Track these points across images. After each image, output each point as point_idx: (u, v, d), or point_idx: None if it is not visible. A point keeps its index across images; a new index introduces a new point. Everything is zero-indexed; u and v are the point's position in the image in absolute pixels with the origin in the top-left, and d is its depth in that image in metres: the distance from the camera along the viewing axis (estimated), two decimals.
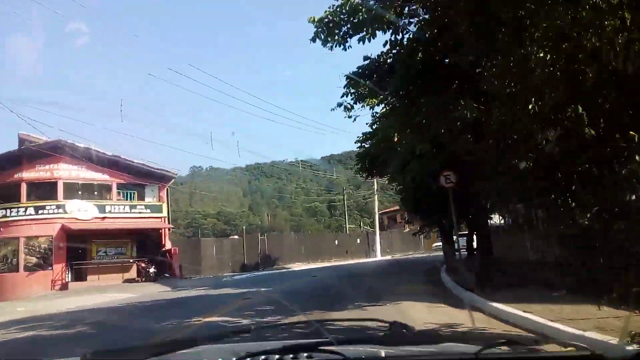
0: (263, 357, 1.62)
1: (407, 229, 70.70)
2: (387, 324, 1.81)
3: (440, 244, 54.31)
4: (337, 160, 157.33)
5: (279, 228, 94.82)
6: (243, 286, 20.33)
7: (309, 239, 46.50)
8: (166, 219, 35.11)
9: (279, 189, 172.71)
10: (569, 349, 1.61)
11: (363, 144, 25.00)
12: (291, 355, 1.61)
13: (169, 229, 35.49)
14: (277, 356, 1.61)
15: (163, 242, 34.14)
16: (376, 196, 51.85)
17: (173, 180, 35.96)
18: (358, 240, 51.54)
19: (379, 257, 49.51)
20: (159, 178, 34.68)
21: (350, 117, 16.07)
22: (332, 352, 1.55)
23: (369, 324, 2.45)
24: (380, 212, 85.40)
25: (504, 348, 1.59)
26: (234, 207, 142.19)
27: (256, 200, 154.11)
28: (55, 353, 7.39)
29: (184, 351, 1.76)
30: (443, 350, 1.71)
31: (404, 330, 1.75)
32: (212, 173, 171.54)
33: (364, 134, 24.38)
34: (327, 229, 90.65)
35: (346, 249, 49.37)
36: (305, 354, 1.61)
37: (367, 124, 25.51)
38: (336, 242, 48.89)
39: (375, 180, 35.65)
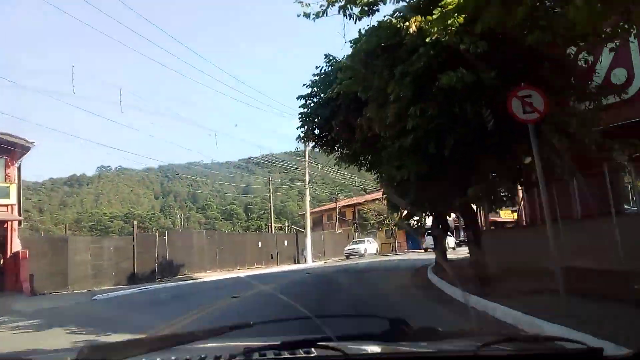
0: (261, 352, 1.56)
1: (340, 230, 62.00)
2: (386, 321, 1.63)
3: (431, 242, 44.30)
4: (255, 163, 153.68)
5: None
6: (98, 322, 10.46)
7: (226, 240, 35.61)
8: (14, 207, 23.36)
9: (194, 192, 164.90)
10: (568, 345, 1.55)
11: (309, 100, 17.79)
12: (288, 352, 1.56)
13: (19, 223, 23.78)
14: (274, 352, 1.56)
15: (9, 241, 22.51)
16: (307, 188, 42.18)
17: (28, 153, 23.97)
18: (285, 242, 41.50)
19: (309, 263, 39.98)
20: (2, 150, 23.07)
21: None
22: (330, 348, 1.50)
23: (368, 320, 1.98)
24: (303, 212, 76.51)
25: (504, 345, 1.54)
26: (145, 209, 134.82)
27: (169, 202, 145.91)
28: None
29: (183, 346, 1.75)
30: (443, 347, 1.64)
31: (404, 327, 1.60)
32: (121, 173, 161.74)
33: (313, 81, 17.44)
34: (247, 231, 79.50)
35: (271, 253, 39.27)
36: (303, 350, 1.56)
37: (317, 67, 17.77)
38: (259, 244, 38.54)
39: (318, 150, 25.70)
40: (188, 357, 1.63)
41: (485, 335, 1.77)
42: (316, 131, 18.42)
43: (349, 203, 68.51)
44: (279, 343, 1.58)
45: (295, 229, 55.43)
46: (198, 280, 26.62)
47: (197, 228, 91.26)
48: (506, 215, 76.77)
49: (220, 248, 34.20)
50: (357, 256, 40.39)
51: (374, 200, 61.67)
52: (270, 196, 46.41)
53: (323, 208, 71.91)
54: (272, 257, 39.12)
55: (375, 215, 59.15)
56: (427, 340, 1.67)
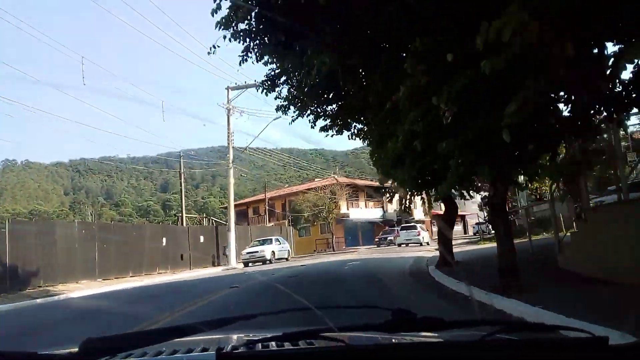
0: (263, 344, 1.54)
1: (271, 223, 52.00)
2: (389, 311, 1.48)
3: (406, 235, 38.75)
4: (174, 158, 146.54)
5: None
6: None
7: (112, 236, 24.31)
8: None
9: (108, 187, 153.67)
10: (573, 334, 1.51)
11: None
12: (291, 343, 1.54)
13: None
14: (278, 343, 1.55)
15: None
16: (232, 169, 31.92)
17: None
18: (202, 239, 30.82)
19: (233, 264, 29.83)
20: None
21: None
22: (333, 339, 1.45)
23: (371, 310, 1.79)
24: (225, 206, 65.69)
25: (508, 334, 1.53)
26: (53, 205, 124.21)
27: (79, 199, 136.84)
28: None
29: (184, 339, 1.71)
30: (446, 336, 1.64)
31: (407, 317, 1.47)
32: (28, 167, 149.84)
33: None
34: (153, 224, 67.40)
35: (182, 253, 28.61)
36: (305, 341, 1.54)
37: None
38: (164, 241, 27.73)
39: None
40: (190, 348, 1.62)
41: (489, 324, 1.55)
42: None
43: (279, 194, 58.66)
44: (280, 334, 1.49)
45: (215, 221, 44.77)
46: (59, 299, 16.31)
47: None
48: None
49: (102, 247, 23.06)
50: (260, 262, 29.92)
51: (308, 190, 52.50)
52: (181, 176, 35.54)
53: (248, 200, 61.51)
54: (182, 259, 28.47)
55: (310, 207, 49.86)
56: (431, 330, 1.62)
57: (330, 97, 13.20)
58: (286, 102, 13.85)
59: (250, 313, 1.62)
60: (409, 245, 37.02)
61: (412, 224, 42.91)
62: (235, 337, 1.93)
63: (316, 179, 58.22)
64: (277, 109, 14.16)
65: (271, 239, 32.97)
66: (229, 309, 9.60)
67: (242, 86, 31.76)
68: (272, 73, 13.05)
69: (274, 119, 32.25)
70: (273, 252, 31.08)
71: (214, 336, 1.90)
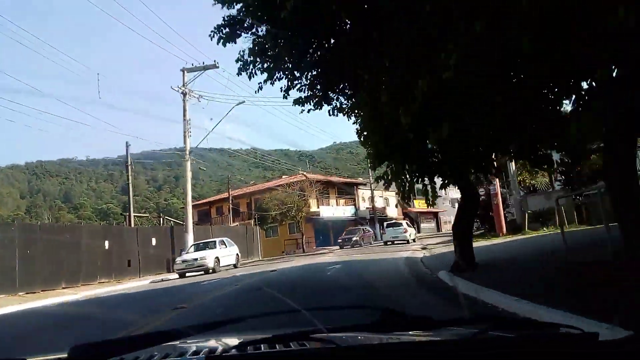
0: (253, 346, 1.51)
1: (236, 223, 47.77)
2: (379, 311, 1.57)
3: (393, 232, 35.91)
4: (136, 160, 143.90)
5: None
6: None
7: (38, 239, 19.62)
8: None
9: (66, 190, 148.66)
10: (563, 330, 1.50)
11: None
12: (282, 345, 1.51)
13: None
14: (268, 345, 1.51)
15: None
16: (189, 162, 27.71)
17: None
18: (154, 241, 26.43)
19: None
20: None
21: None
22: (322, 340, 1.44)
23: (360, 311, 1.92)
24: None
25: (498, 331, 1.48)
26: (8, 209, 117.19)
27: (37, 202, 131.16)
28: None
29: (172, 343, 1.66)
30: (437, 335, 1.63)
31: (397, 317, 1.57)
32: None
33: None
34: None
35: (129, 258, 24.28)
36: (296, 343, 1.50)
37: None
38: (107, 244, 23.27)
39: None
40: (181, 352, 1.61)
41: (479, 322, 1.61)
42: None
43: (244, 192, 54.50)
44: (269, 336, 1.51)
45: (172, 221, 40.28)
46: None
47: None
48: (420, 204, 66.99)
49: (25, 252, 18.55)
50: (199, 271, 23.65)
51: (275, 187, 48.59)
52: (128, 169, 31.06)
53: (212, 199, 57.12)
54: (129, 265, 24.11)
55: (278, 205, 45.93)
56: (421, 329, 1.62)
57: (309, 52, 9.84)
58: (251, 57, 9.97)
59: (238, 316, 1.65)
60: (395, 243, 34.63)
61: (398, 221, 41.31)
62: (225, 340, 1.82)
63: (284, 176, 54.26)
64: (240, 70, 10.22)
65: (214, 242, 25.83)
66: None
67: (198, 67, 27.64)
68: (233, 15, 9.35)
69: (238, 104, 28.24)
70: (217, 258, 24.34)
71: (204, 339, 1.86)
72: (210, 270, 23.41)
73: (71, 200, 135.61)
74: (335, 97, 11.27)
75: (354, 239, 38.81)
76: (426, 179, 10.99)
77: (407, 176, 10.49)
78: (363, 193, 56.78)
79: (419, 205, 64.59)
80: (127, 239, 25.00)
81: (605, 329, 3.33)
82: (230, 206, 45.37)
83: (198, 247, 25.29)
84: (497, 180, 23.28)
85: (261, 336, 1.55)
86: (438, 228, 68.38)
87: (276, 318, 1.72)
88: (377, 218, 53.83)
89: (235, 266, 25.97)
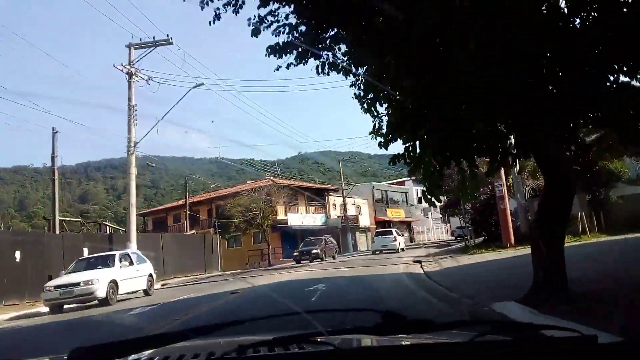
0: (252, 349, 1.49)
1: (192, 231, 42.76)
2: (379, 313, 1.52)
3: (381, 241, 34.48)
4: (95, 168, 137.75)
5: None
6: None
7: None
8: None
9: (21, 198, 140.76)
10: (561, 333, 1.50)
11: None
12: (282, 348, 1.49)
13: None
14: (268, 348, 1.49)
15: None
16: (133, 155, 22.87)
17: None
18: (86, 252, 21.20)
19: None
20: None
21: None
22: (323, 342, 1.47)
23: (361, 314, 2.01)
24: (144, 212, 55.79)
25: (498, 334, 1.52)
26: None
27: None
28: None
29: (173, 345, 1.65)
30: (436, 338, 1.62)
31: (397, 320, 1.50)
32: None
33: None
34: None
35: (50, 274, 19.03)
36: (296, 346, 1.51)
37: None
38: (18, 255, 18.05)
39: None
40: (180, 355, 1.57)
41: (479, 325, 1.68)
42: None
43: (205, 198, 49.59)
44: (270, 339, 1.48)
45: (112, 227, 35.06)
46: None
47: None
48: (393, 214, 63.21)
49: None
50: (80, 302, 15.72)
51: (239, 192, 43.90)
52: (54, 163, 26.09)
53: (168, 206, 51.93)
54: (50, 278, 19.00)
55: (242, 212, 41.24)
56: (421, 332, 1.56)
57: None
58: None
59: (238, 319, 1.67)
60: (383, 252, 32.47)
61: (387, 229, 40.04)
62: (226, 342, 1.85)
63: (248, 181, 49.57)
64: None
65: (113, 256, 17.68)
66: None
67: (148, 43, 22.96)
68: None
69: (195, 86, 23.59)
70: (114, 282, 16.10)
71: (205, 342, 1.85)
72: (101, 302, 15.43)
73: (26, 208, 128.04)
74: (328, 47, 7.87)
75: (314, 251, 32.59)
76: (463, 159, 6.92)
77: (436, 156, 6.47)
78: (334, 200, 52.55)
79: (392, 214, 60.76)
80: (49, 249, 19.92)
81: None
82: (187, 212, 40.43)
83: (85, 265, 17.03)
84: (503, 178, 19.42)
85: (261, 339, 1.55)
86: (411, 239, 64.61)
87: (276, 321, 1.75)
88: (349, 227, 49.61)
89: (147, 293, 17.98)
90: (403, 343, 1.61)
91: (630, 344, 1.35)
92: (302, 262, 32.82)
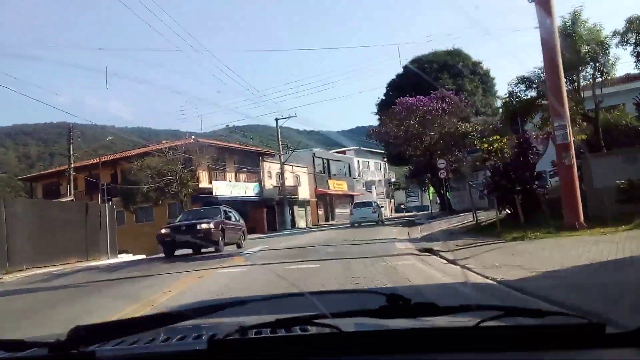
0: (255, 330, 1.47)
1: (70, 197, 32.38)
2: (383, 296, 1.49)
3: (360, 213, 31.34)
4: (6, 134, 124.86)
5: None
6: None
7: None
8: None
9: None
10: (569, 319, 1.51)
11: None
12: (284, 329, 1.49)
13: None
14: (270, 329, 1.47)
15: None
16: None
17: None
18: None
19: None
20: None
21: None
22: (326, 325, 1.43)
23: (365, 296, 1.86)
24: (29, 176, 44.45)
25: (504, 319, 1.46)
26: None
27: None
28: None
29: (173, 326, 1.61)
30: (441, 322, 1.55)
31: (401, 303, 1.47)
32: None
33: None
34: None
35: None
36: (298, 327, 1.51)
37: None
38: None
39: None
40: (181, 335, 1.55)
41: (485, 309, 1.55)
42: None
43: (108, 159, 39.46)
44: (273, 321, 1.46)
45: None
46: None
47: None
48: (336, 186, 55.33)
49: None
50: None
51: (151, 152, 34.26)
52: None
53: (62, 168, 40.99)
54: None
55: (152, 177, 31.75)
56: (425, 315, 1.52)
57: None
58: None
59: (240, 300, 1.64)
60: (362, 225, 29.03)
61: (367, 200, 38.31)
62: (228, 323, 1.78)
63: (164, 141, 39.65)
64: None
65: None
66: None
67: None
68: None
69: None
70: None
71: (206, 323, 1.84)
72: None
73: None
74: None
75: (202, 227, 16.85)
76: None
77: None
78: (269, 167, 43.77)
79: (335, 186, 52.86)
80: None
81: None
82: (71, 173, 30.29)
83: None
84: (567, 114, 11.65)
85: (263, 320, 1.52)
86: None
87: (279, 302, 1.69)
88: (287, 199, 41.11)
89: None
90: (407, 326, 1.49)
91: (638, 333, 1.27)
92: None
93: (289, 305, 1.76)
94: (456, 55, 38.71)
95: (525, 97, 17.12)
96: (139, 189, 31.45)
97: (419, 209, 53.64)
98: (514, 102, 17.51)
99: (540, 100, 16.95)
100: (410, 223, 27.01)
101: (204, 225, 16.55)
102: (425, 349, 1.33)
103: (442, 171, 26.88)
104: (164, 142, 38.48)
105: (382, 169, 66.39)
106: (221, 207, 20.18)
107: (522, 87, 17.10)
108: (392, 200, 59.15)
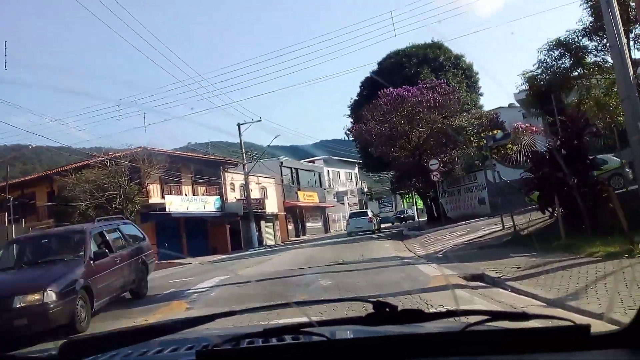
0: (244, 341, 1.48)
1: None
2: (370, 303, 1.47)
3: (356, 223, 33.01)
4: None
5: None
6: None
7: None
8: None
9: None
10: (554, 322, 1.47)
11: None
12: (273, 339, 1.53)
13: None
14: (261, 339, 1.50)
15: None
16: None
17: None
18: None
19: None
20: None
21: None
22: (314, 333, 1.42)
23: (352, 304, 2.20)
24: None
25: (490, 323, 1.43)
26: None
27: None
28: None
29: (163, 338, 1.64)
30: (428, 328, 1.56)
31: (388, 310, 1.44)
32: None
33: None
34: None
35: None
36: (288, 336, 1.53)
37: None
38: None
39: None
40: (175, 347, 1.58)
41: (470, 315, 1.52)
42: None
43: (38, 176, 34.13)
44: (261, 330, 1.44)
45: None
46: None
47: None
48: (306, 197, 50.77)
49: None
50: None
51: (92, 164, 29.16)
52: None
53: None
54: None
55: (91, 192, 26.67)
56: (412, 322, 1.50)
57: None
58: None
59: (229, 310, 1.69)
60: (359, 234, 30.07)
61: (362, 210, 39.90)
62: (216, 334, 1.81)
63: (110, 153, 34.36)
64: None
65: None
66: None
67: None
68: None
69: None
70: None
71: (195, 334, 1.81)
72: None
73: None
74: None
75: (18, 316, 7.54)
76: None
77: None
78: (232, 178, 38.96)
79: (305, 198, 48.34)
80: None
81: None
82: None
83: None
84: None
85: (251, 330, 1.52)
86: (326, 228, 52.54)
87: (273, 309, 1.75)
88: (253, 214, 36.29)
89: None
90: (394, 333, 1.50)
91: (623, 334, 1.29)
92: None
93: (278, 313, 2.06)
94: (437, 47, 35.00)
95: (561, 66, 13.13)
96: (76, 206, 26.25)
97: (400, 219, 49.57)
98: (545, 76, 13.48)
99: (577, 70, 13.02)
100: (399, 235, 22.79)
101: (28, 298, 7.48)
102: (413, 354, 1.30)
103: (434, 173, 22.78)
104: (110, 153, 33.25)
105: (354, 179, 62.29)
106: (89, 228, 10.04)
107: (557, 53, 13.08)
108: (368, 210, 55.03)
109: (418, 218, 39.78)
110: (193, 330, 1.75)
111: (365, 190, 63.32)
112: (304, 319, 1.61)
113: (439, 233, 18.99)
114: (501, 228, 13.60)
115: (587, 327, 1.30)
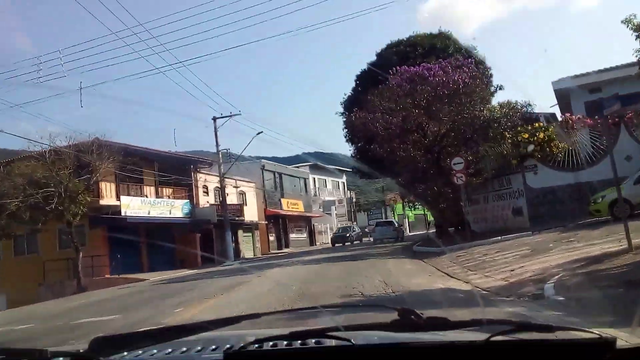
0: (271, 342, 1.48)
1: None
2: (394, 311, 1.49)
3: (383, 231, 34.59)
4: None
5: None
6: None
7: None
8: None
9: None
10: (580, 334, 1.44)
11: None
12: (299, 341, 1.48)
13: None
14: (285, 342, 1.48)
15: None
16: None
17: None
18: None
19: None
20: None
21: None
22: (339, 338, 1.41)
23: (376, 310, 2.05)
24: None
25: (515, 334, 1.40)
26: None
27: None
28: None
29: (190, 337, 1.65)
30: (452, 337, 1.51)
31: (412, 317, 1.48)
32: None
33: None
34: None
35: None
36: (313, 340, 1.49)
37: None
38: None
39: None
40: (199, 347, 1.58)
41: (494, 324, 1.48)
42: None
43: None
44: (287, 333, 1.45)
45: None
46: None
47: None
48: (290, 206, 45.50)
49: None
50: None
51: (30, 157, 23.70)
52: None
53: None
54: None
55: (24, 190, 21.21)
56: (437, 330, 1.51)
57: None
58: None
59: (255, 312, 1.66)
60: (384, 241, 31.01)
61: (388, 219, 42.22)
62: (242, 335, 1.76)
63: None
64: None
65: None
66: None
67: None
68: None
69: None
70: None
71: (221, 335, 1.82)
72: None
73: None
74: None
75: None
76: None
77: None
78: (206, 180, 33.62)
79: (289, 206, 43.13)
80: None
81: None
82: None
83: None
84: None
85: (278, 333, 1.56)
86: (311, 240, 47.32)
87: (300, 313, 1.87)
88: (229, 221, 30.91)
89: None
90: (419, 340, 1.47)
91: None
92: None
93: (304, 317, 1.89)
94: (445, 38, 30.53)
95: None
96: (4, 205, 20.74)
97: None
98: None
99: None
100: (408, 250, 17.81)
101: None
102: None
103: (459, 175, 17.88)
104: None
105: (341, 188, 57.33)
106: None
107: None
108: (355, 222, 50.02)
109: (409, 232, 38.55)
110: (218, 332, 1.73)
111: (354, 200, 58.35)
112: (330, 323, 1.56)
113: (477, 251, 14.02)
114: (612, 244, 8.67)
115: (613, 340, 1.27)
